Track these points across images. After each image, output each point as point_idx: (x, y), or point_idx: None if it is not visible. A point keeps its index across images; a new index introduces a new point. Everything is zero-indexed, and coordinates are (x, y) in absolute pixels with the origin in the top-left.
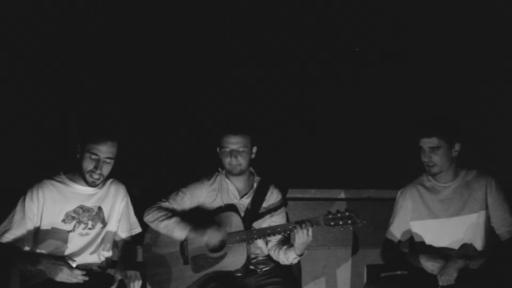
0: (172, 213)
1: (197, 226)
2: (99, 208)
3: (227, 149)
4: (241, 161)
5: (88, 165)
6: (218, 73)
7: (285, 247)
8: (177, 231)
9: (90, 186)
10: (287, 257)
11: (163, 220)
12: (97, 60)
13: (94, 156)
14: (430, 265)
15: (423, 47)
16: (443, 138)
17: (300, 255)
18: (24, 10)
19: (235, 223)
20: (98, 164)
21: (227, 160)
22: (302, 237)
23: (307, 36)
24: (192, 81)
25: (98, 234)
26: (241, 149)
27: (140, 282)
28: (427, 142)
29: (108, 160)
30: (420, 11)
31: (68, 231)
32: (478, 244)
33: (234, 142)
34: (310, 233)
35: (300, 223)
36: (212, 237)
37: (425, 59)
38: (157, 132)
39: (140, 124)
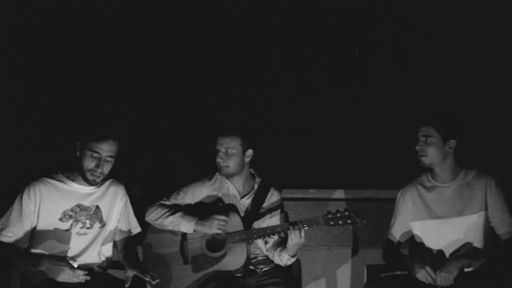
0: (175, 209)
1: (203, 218)
2: (97, 207)
3: (216, 149)
4: (228, 163)
5: (89, 163)
6: (218, 73)
7: (279, 248)
8: (183, 225)
9: (90, 184)
10: (281, 258)
11: (168, 216)
12: (98, 58)
13: (95, 155)
14: (417, 271)
15: (423, 46)
16: (436, 128)
17: (292, 256)
18: (24, 9)
19: (235, 222)
20: (99, 162)
21: (216, 160)
22: (294, 238)
23: (306, 36)
24: (192, 82)
25: (97, 234)
26: (228, 150)
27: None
28: (422, 131)
29: (109, 159)
30: (421, 11)
31: (65, 230)
32: (478, 245)
33: (221, 143)
34: (302, 234)
35: (293, 224)
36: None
37: (426, 59)
38: (157, 131)
39: (140, 123)
